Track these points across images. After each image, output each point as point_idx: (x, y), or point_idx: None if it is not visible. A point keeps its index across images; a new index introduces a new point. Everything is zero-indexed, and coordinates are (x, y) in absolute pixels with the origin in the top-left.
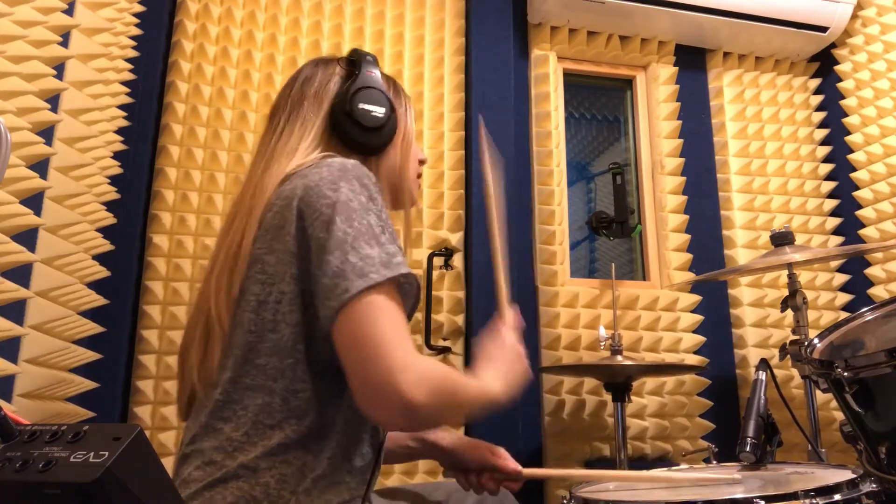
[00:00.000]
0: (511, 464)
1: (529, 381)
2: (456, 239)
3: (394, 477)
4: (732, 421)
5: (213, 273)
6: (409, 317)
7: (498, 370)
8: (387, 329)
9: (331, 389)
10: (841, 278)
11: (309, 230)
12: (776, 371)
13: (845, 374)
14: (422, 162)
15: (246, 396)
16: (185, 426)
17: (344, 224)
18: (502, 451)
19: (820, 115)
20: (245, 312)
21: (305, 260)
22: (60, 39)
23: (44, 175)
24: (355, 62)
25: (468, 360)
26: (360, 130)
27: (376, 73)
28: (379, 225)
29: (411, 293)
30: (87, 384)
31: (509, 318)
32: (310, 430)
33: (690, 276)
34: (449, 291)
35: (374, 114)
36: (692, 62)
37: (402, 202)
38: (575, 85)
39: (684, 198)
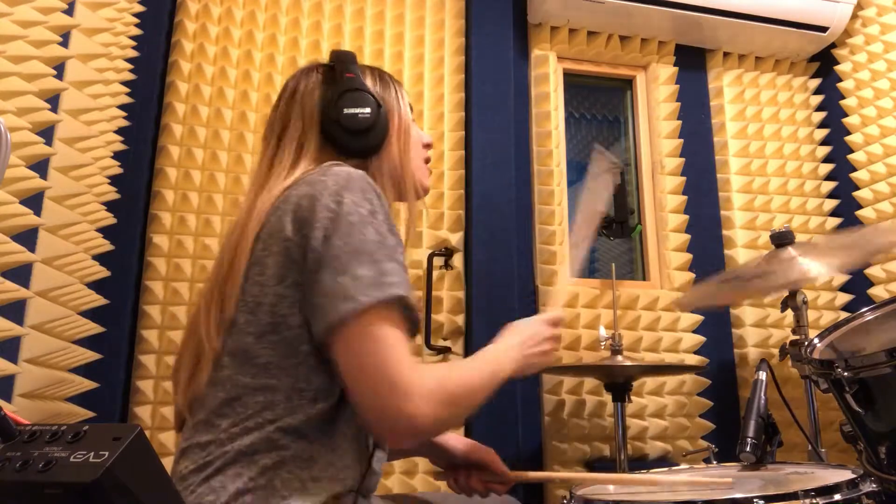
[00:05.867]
0: (498, 465)
1: (550, 363)
2: (456, 239)
3: (394, 477)
4: (732, 421)
5: (205, 295)
6: (413, 333)
7: (515, 342)
8: (382, 357)
9: (333, 387)
10: (841, 278)
11: (310, 240)
12: (776, 371)
13: (845, 374)
14: (427, 146)
15: (246, 395)
16: (185, 426)
17: (340, 240)
18: (492, 453)
19: (820, 115)
20: (241, 314)
21: (306, 268)
22: (60, 39)
23: (44, 175)
24: (332, 66)
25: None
26: (350, 136)
27: (356, 71)
28: (376, 241)
29: (411, 313)
30: (87, 384)
31: (556, 312)
32: (309, 418)
33: (691, 276)
34: (449, 291)
35: (360, 116)
36: (692, 62)
37: (408, 194)
38: (575, 85)
39: (684, 198)
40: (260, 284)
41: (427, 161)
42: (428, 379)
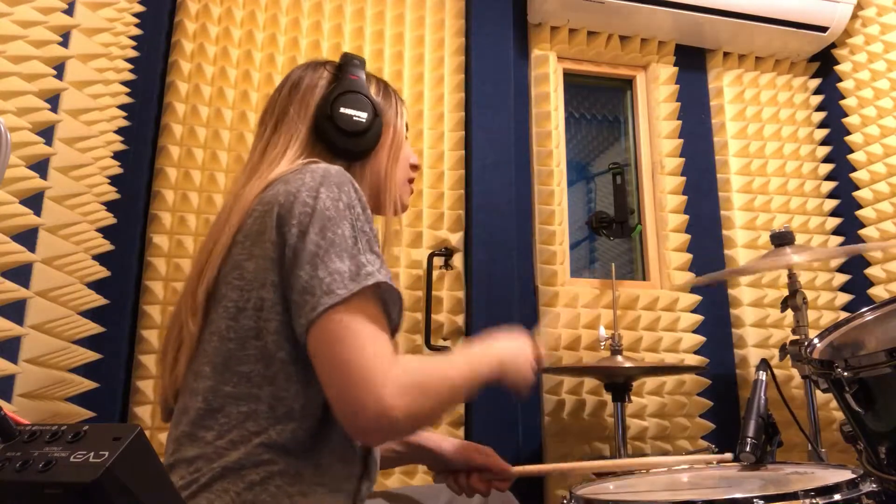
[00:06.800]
0: (499, 463)
1: (529, 386)
2: (456, 239)
3: (394, 477)
4: (732, 421)
5: (188, 279)
6: (397, 323)
7: (496, 349)
8: (358, 348)
9: (316, 394)
10: (841, 278)
11: (287, 238)
12: (776, 371)
13: (845, 374)
14: (415, 167)
15: (228, 404)
16: (168, 436)
17: (317, 235)
18: (489, 451)
19: (820, 115)
20: (222, 320)
21: (284, 267)
22: (60, 39)
23: (44, 175)
24: (341, 66)
25: None
26: (341, 135)
27: (361, 76)
28: (352, 236)
29: (393, 300)
30: (87, 384)
31: (536, 345)
32: (295, 433)
33: (690, 276)
34: (449, 291)
35: (355, 118)
36: (692, 62)
37: (387, 207)
38: (575, 85)
39: (684, 198)
40: (240, 289)
41: (411, 181)
42: (402, 371)
